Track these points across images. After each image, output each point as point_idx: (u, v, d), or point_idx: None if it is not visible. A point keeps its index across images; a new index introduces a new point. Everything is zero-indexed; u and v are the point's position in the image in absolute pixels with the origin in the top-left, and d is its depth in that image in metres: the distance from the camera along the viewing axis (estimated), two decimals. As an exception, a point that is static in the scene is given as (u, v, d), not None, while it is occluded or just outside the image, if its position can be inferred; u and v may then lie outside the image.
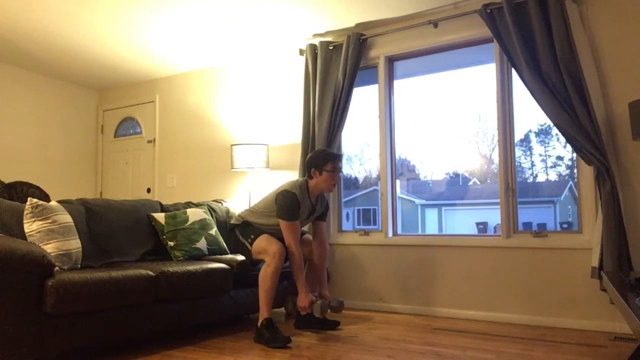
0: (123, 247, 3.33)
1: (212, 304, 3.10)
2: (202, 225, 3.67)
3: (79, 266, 2.81)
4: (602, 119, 3.13)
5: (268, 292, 2.96)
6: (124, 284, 2.55)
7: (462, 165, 4.60)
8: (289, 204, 3.03)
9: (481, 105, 4.07)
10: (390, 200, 4.08)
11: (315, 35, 4.27)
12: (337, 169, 3.11)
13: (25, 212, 2.66)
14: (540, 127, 3.87)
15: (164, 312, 2.80)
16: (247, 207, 3.32)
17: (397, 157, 4.17)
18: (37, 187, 3.88)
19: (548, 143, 3.85)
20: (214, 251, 3.62)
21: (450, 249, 3.73)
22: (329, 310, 3.17)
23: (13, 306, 2.14)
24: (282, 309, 3.90)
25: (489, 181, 4.36)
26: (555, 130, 3.64)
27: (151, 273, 2.75)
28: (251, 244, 3.09)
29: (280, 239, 3.07)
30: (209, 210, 3.95)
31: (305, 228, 3.68)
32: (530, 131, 3.83)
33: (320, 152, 3.16)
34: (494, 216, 3.77)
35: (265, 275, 2.97)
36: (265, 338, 2.85)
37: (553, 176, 3.93)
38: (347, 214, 4.60)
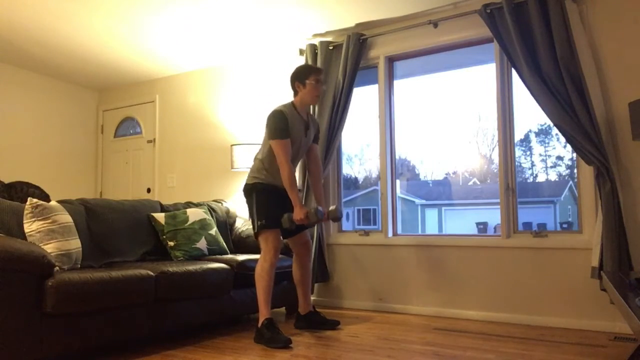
0: (123, 247, 3.33)
1: (212, 304, 3.10)
2: (202, 225, 3.67)
3: (79, 266, 2.81)
4: (602, 119, 3.13)
5: (266, 289, 2.96)
6: (124, 284, 2.55)
7: (462, 165, 4.60)
8: (275, 120, 3.00)
9: (481, 105, 4.07)
10: (390, 200, 4.08)
11: (315, 35, 4.27)
12: (319, 80, 3.12)
13: (25, 212, 2.66)
14: (540, 127, 3.87)
15: (164, 312, 2.80)
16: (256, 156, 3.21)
17: (397, 157, 4.17)
18: (37, 187, 3.88)
19: (548, 143, 3.85)
20: (214, 251, 3.62)
21: (450, 249, 3.73)
22: (325, 216, 3.05)
23: (13, 306, 2.14)
24: (282, 309, 3.91)
25: (489, 181, 4.36)
26: (555, 130, 3.64)
27: (151, 273, 2.75)
28: (260, 228, 3.03)
29: (287, 199, 3.01)
30: (209, 210, 3.95)
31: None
32: (530, 131, 3.83)
33: (302, 66, 3.20)
34: (494, 216, 3.77)
35: (261, 271, 2.97)
36: (265, 338, 2.85)
37: (553, 176, 3.93)
38: (347, 214, 4.61)
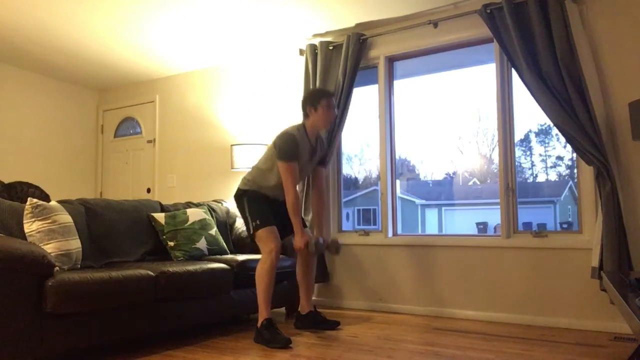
0: (123, 247, 3.33)
1: (212, 304, 3.10)
2: (202, 225, 3.67)
3: (79, 266, 2.81)
4: (602, 119, 3.13)
5: (266, 290, 2.96)
6: (124, 284, 2.55)
7: (462, 165, 4.60)
8: (286, 143, 3.01)
9: (481, 105, 4.07)
10: (390, 200, 4.08)
11: (315, 35, 4.27)
12: (331, 104, 3.12)
13: (25, 212, 2.66)
14: (540, 127, 3.88)
15: (164, 312, 2.80)
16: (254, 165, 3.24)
17: (397, 157, 4.17)
18: (37, 187, 3.88)
19: (548, 143, 3.85)
20: (214, 251, 3.62)
21: (450, 249, 3.73)
22: (324, 248, 3.11)
23: (13, 306, 2.14)
24: (282, 309, 3.91)
25: (489, 181, 4.36)
26: (555, 130, 3.64)
27: (151, 273, 2.75)
28: (255, 228, 3.05)
29: (282, 207, 3.04)
30: (209, 211, 3.95)
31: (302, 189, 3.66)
32: (530, 131, 3.83)
33: (314, 90, 3.20)
34: (494, 216, 3.77)
35: (262, 272, 2.97)
36: (265, 338, 2.85)
37: (553, 176, 3.94)
38: (347, 214, 4.60)
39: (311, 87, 4.18)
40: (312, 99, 3.11)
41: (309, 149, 3.14)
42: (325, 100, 3.09)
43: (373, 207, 4.62)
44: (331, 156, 4.05)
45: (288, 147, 3.01)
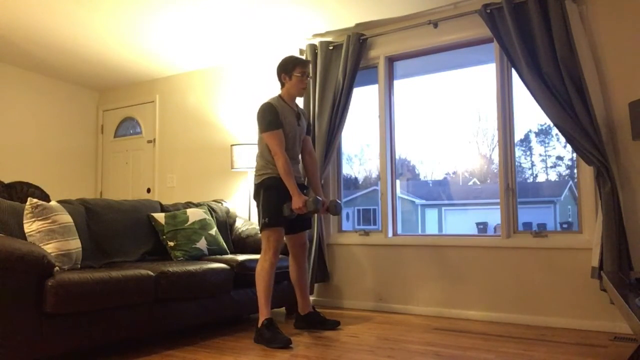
0: (123, 247, 3.33)
1: (212, 304, 3.10)
2: (202, 225, 3.67)
3: (79, 266, 2.81)
4: (602, 119, 3.13)
5: (266, 290, 2.96)
6: (124, 284, 2.55)
7: (462, 165, 4.60)
8: (265, 114, 3.00)
9: (481, 105, 4.07)
10: (390, 200, 4.08)
11: (315, 35, 4.27)
12: (305, 72, 3.12)
13: (25, 212, 2.66)
14: (540, 127, 3.87)
15: (164, 312, 2.80)
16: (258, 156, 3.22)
17: (397, 157, 4.17)
18: (37, 187, 3.88)
19: (548, 143, 3.85)
20: (214, 251, 3.62)
21: (450, 249, 3.73)
22: (323, 205, 3.06)
23: (13, 306, 2.14)
24: (282, 309, 3.91)
25: (489, 181, 4.36)
26: (555, 130, 3.64)
27: (151, 273, 2.75)
28: (263, 226, 3.03)
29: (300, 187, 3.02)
30: (209, 211, 3.95)
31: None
32: (530, 131, 3.83)
33: (289, 58, 3.17)
34: (494, 216, 3.77)
35: (262, 270, 2.97)
36: (265, 338, 2.85)
37: (553, 176, 3.93)
38: (347, 214, 4.60)
39: (311, 87, 4.18)
40: (287, 67, 3.12)
41: (293, 114, 3.14)
42: (300, 68, 3.10)
43: (373, 207, 4.62)
44: (329, 159, 4.04)
45: (266, 115, 3.00)
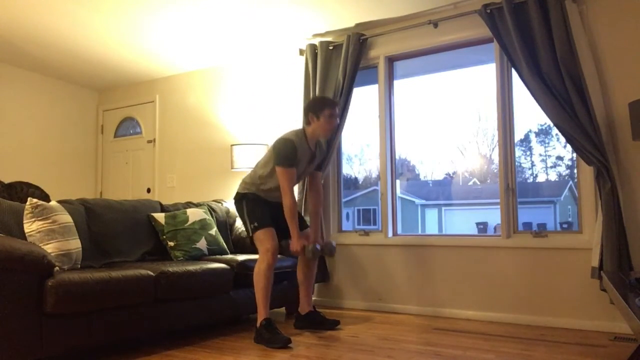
0: (123, 247, 3.33)
1: (212, 304, 3.10)
2: (202, 225, 3.67)
3: (79, 266, 2.81)
4: (602, 119, 3.13)
5: (264, 290, 2.96)
6: (124, 284, 2.55)
7: (462, 165, 4.60)
8: (285, 149, 3.01)
9: (481, 105, 4.07)
10: (390, 200, 4.08)
11: (315, 35, 4.27)
12: (334, 114, 3.11)
13: (25, 212, 2.66)
14: (540, 127, 3.88)
15: (164, 312, 2.80)
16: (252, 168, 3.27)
17: (397, 157, 4.17)
18: (37, 187, 3.88)
19: (548, 143, 3.85)
20: (214, 251, 3.62)
21: (450, 249, 3.73)
22: (320, 253, 3.16)
23: (13, 306, 2.14)
24: (282, 309, 3.91)
25: (489, 181, 4.36)
26: (555, 130, 3.64)
27: (151, 273, 2.75)
28: (254, 230, 3.06)
29: (281, 210, 3.05)
30: (209, 211, 3.95)
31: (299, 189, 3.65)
32: (530, 131, 3.84)
33: (318, 98, 3.19)
34: (494, 216, 3.77)
35: (259, 272, 2.98)
36: (265, 338, 2.85)
37: (553, 176, 3.94)
38: (347, 214, 4.61)
39: (311, 87, 4.18)
40: (315, 107, 3.10)
41: (308, 154, 3.15)
42: (329, 110, 3.08)
43: (373, 207, 4.62)
44: (329, 160, 4.05)
45: (286, 152, 3.01)
